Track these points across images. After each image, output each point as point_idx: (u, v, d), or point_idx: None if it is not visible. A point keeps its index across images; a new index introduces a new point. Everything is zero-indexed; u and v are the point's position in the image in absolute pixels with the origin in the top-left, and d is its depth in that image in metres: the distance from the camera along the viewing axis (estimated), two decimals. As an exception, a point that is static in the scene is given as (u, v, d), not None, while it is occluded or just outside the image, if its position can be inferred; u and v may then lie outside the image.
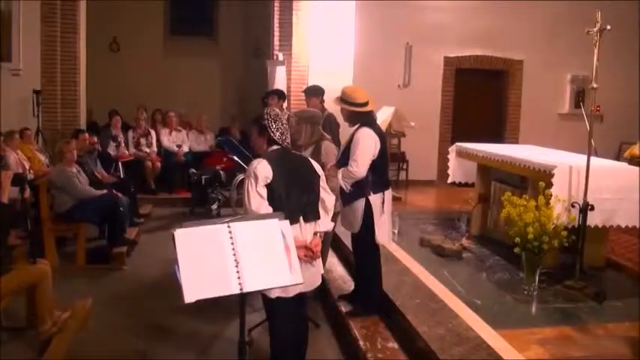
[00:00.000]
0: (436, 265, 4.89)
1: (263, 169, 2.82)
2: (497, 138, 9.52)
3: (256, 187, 2.80)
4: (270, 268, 2.37)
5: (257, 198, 2.80)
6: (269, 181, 2.82)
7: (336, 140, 5.38)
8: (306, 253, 2.87)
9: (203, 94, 11.05)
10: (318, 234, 3.03)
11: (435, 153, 9.64)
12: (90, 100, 9.06)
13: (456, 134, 9.36)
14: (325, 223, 3.07)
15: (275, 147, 2.96)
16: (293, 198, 2.89)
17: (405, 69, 9.41)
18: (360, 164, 3.76)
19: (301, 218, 2.92)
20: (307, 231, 2.97)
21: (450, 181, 6.54)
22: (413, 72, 9.42)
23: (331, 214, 3.14)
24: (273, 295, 2.86)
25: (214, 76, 11.45)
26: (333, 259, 5.48)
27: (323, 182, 3.08)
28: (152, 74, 10.86)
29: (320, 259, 3.07)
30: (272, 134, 2.95)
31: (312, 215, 2.99)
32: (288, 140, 2.98)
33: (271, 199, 2.83)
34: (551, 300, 4.11)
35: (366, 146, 3.79)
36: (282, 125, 2.95)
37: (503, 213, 4.27)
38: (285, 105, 7.88)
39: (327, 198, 3.08)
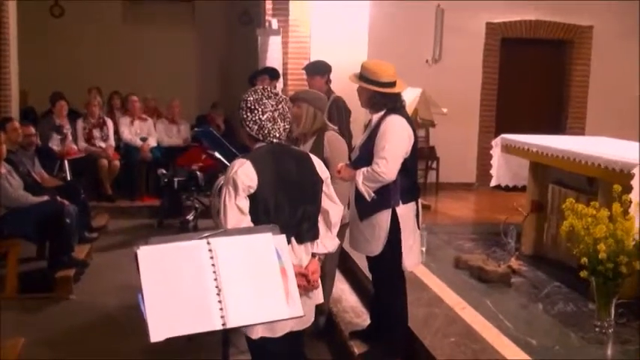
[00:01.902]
0: (476, 293, 4.88)
1: (245, 175, 2.78)
2: (557, 128, 9.52)
3: (235, 198, 2.77)
4: (262, 297, 2.36)
5: (235, 213, 2.76)
6: (253, 190, 2.79)
7: (345, 131, 5.39)
8: (300, 282, 2.80)
9: (175, 73, 11.08)
10: (317, 256, 3.01)
11: (473, 148, 9.66)
12: (25, 80, 9.07)
13: (502, 123, 9.37)
14: (327, 243, 3.04)
15: (261, 143, 2.91)
16: (285, 212, 2.85)
17: (435, 39, 9.40)
18: (391, 163, 3.70)
19: (293, 238, 2.87)
20: (302, 254, 2.94)
21: (493, 184, 6.52)
22: (445, 43, 9.41)
23: (336, 230, 3.10)
24: (255, 334, 2.83)
25: (190, 49, 11.47)
26: (342, 285, 5.47)
27: (327, 188, 3.04)
28: (108, 47, 10.89)
29: (320, 288, 3.05)
30: (248, 129, 2.89)
31: (310, 233, 2.97)
32: (278, 134, 2.89)
33: (255, 214, 2.80)
34: (634, 340, 4.08)
35: (398, 140, 3.74)
36: (264, 115, 2.85)
37: (565, 225, 4.23)
38: (280, 86, 7.89)
39: (332, 209, 3.04)
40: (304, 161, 3.02)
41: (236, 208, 2.76)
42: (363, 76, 3.87)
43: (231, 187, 2.78)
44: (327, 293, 4.31)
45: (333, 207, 3.05)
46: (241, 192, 2.77)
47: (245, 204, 2.78)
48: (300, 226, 2.91)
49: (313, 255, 2.99)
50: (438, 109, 8.05)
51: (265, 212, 2.81)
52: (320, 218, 3.02)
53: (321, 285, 3.08)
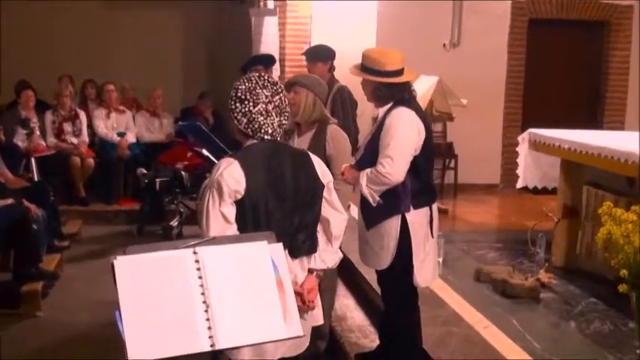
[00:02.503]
0: (500, 310, 4.89)
1: (231, 178, 2.76)
2: (592, 122, 9.53)
3: (219, 204, 2.75)
4: (256, 314, 2.35)
5: (219, 221, 2.75)
6: (240, 195, 2.78)
7: (351, 124, 5.39)
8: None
9: (157, 60, 11.07)
10: (315, 272, 3.00)
11: (497, 144, 9.66)
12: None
13: (529, 116, 9.35)
14: (327, 257, 3.03)
15: (253, 140, 2.90)
16: (278, 220, 2.84)
17: (453, 21, 9.41)
18: (397, 163, 3.70)
19: (287, 251, 2.83)
20: (297, 269, 2.94)
21: (520, 185, 6.53)
22: (465, 25, 9.42)
23: (337, 243, 3.10)
24: (241, 360, 2.82)
25: (174, 33, 11.46)
26: (347, 301, 5.48)
27: (328, 193, 3.02)
28: (82, 30, 10.86)
29: (319, 307, 3.04)
30: (237, 122, 2.88)
31: (307, 246, 2.96)
32: (270, 130, 2.88)
33: (243, 222, 2.79)
34: (678, 363, 4.09)
35: (405, 135, 3.74)
36: (255, 107, 2.84)
37: (602, 233, 4.22)
38: (277, 73, 7.89)
39: (334, 218, 3.03)
40: (302, 162, 3.00)
41: (220, 216, 2.75)
42: (365, 67, 3.87)
43: (216, 190, 2.77)
44: (327, 312, 4.26)
45: (335, 216, 3.03)
46: (227, 197, 2.76)
47: (231, 211, 2.77)
48: (295, 237, 2.90)
49: (310, 271, 2.98)
50: (456, 101, 8.04)
51: (254, 220, 2.79)
52: (319, 229, 3.01)
53: (320, 303, 3.08)
